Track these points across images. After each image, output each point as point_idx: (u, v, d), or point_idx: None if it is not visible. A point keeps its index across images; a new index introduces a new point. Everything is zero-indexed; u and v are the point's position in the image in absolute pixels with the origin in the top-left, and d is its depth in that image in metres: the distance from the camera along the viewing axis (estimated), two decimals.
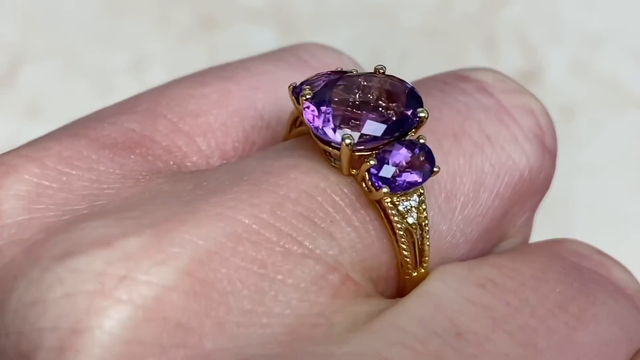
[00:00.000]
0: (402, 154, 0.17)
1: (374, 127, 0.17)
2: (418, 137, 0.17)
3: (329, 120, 0.17)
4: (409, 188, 0.17)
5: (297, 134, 0.18)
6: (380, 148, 0.17)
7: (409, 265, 0.17)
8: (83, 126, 0.18)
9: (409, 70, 0.33)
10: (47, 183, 0.17)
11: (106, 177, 0.17)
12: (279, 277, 0.16)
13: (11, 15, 0.43)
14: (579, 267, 0.19)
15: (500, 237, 0.20)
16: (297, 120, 0.18)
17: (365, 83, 0.17)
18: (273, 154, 0.18)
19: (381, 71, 0.18)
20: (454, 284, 0.17)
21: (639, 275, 0.37)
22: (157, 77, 0.42)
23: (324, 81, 0.17)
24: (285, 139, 0.19)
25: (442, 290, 0.17)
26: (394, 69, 0.23)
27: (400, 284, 0.18)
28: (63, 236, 0.15)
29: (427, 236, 0.17)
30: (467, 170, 0.18)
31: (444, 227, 0.18)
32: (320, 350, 0.15)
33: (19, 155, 0.17)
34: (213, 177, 0.17)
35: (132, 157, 0.17)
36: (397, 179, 0.17)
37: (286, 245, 0.16)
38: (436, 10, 0.43)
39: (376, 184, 0.17)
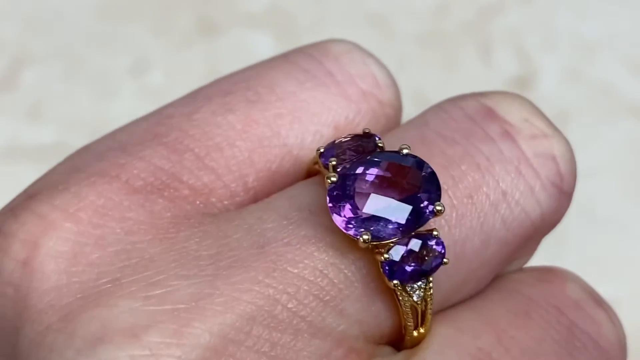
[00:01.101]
0: (414, 249, 0.18)
1: (390, 229, 0.18)
2: (432, 229, 0.18)
3: (349, 217, 0.18)
4: (419, 279, 0.18)
5: (318, 170, 0.19)
6: (395, 241, 0.18)
7: (410, 329, 0.18)
8: (114, 162, 0.19)
9: (405, 77, 0.34)
10: (83, 240, 0.18)
11: (137, 228, 0.18)
12: (288, 356, 0.17)
13: (14, 18, 0.43)
14: (572, 330, 0.19)
15: (509, 263, 0.20)
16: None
17: (386, 167, 0.18)
18: (295, 215, 0.18)
19: (404, 151, 0.18)
20: (452, 357, 0.18)
21: (632, 281, 0.38)
22: (157, 80, 0.42)
23: (349, 155, 0.18)
24: (307, 171, 0.20)
25: None
26: (402, 106, 0.23)
27: (400, 338, 0.19)
28: (95, 313, 0.17)
29: (431, 308, 0.18)
30: (479, 230, 0.19)
31: (448, 285, 0.19)
32: None
33: (55, 208, 0.18)
34: (235, 238, 0.18)
35: (161, 200, 0.18)
36: (408, 270, 0.18)
37: (297, 326, 0.17)
38: (433, 18, 0.44)
39: (387, 276, 0.18)
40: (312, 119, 0.20)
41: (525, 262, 0.21)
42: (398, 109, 0.21)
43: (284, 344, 0.17)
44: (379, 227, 0.17)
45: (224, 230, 0.18)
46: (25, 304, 0.17)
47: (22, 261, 0.17)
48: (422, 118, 0.20)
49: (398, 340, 0.18)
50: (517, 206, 0.19)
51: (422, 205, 0.18)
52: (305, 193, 0.19)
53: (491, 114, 0.20)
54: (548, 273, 0.20)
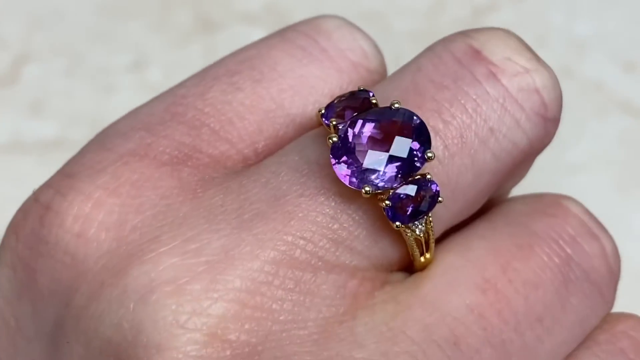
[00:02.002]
0: (411, 194, 0.20)
1: (388, 178, 0.20)
2: (426, 173, 0.20)
3: (351, 170, 0.20)
4: (418, 217, 0.20)
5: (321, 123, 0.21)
6: (394, 187, 0.20)
7: (417, 256, 0.20)
8: (142, 142, 0.21)
9: None
10: (126, 210, 0.20)
11: (170, 192, 0.20)
12: (311, 290, 0.19)
13: (15, 15, 0.44)
14: (568, 263, 0.21)
15: (504, 185, 0.22)
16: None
17: (380, 123, 0.20)
18: (306, 168, 0.20)
19: (395, 106, 0.20)
20: (460, 287, 0.20)
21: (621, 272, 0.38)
22: (156, 76, 0.43)
23: (347, 112, 0.20)
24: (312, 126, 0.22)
25: (448, 297, 0.20)
26: (387, 71, 0.24)
27: (410, 264, 0.21)
28: (143, 268, 0.19)
29: (433, 238, 0.20)
30: (471, 165, 0.21)
31: (447, 215, 0.21)
32: (345, 353, 0.19)
33: (98, 187, 0.20)
34: (254, 192, 0.20)
35: (186, 169, 0.21)
36: (408, 211, 0.20)
37: (315, 265, 0.19)
38: (428, 15, 0.44)
39: (390, 219, 0.20)
40: (311, 91, 0.22)
41: (520, 180, 0.23)
42: (383, 74, 0.23)
43: (306, 281, 0.19)
44: (378, 178, 0.20)
45: (245, 185, 0.20)
46: (81, 268, 0.20)
47: (76, 234, 0.20)
48: (416, 63, 0.22)
49: (409, 266, 0.21)
50: (505, 139, 0.21)
51: (414, 153, 0.20)
52: (313, 146, 0.21)
53: (477, 56, 0.21)
54: (554, 206, 0.22)
